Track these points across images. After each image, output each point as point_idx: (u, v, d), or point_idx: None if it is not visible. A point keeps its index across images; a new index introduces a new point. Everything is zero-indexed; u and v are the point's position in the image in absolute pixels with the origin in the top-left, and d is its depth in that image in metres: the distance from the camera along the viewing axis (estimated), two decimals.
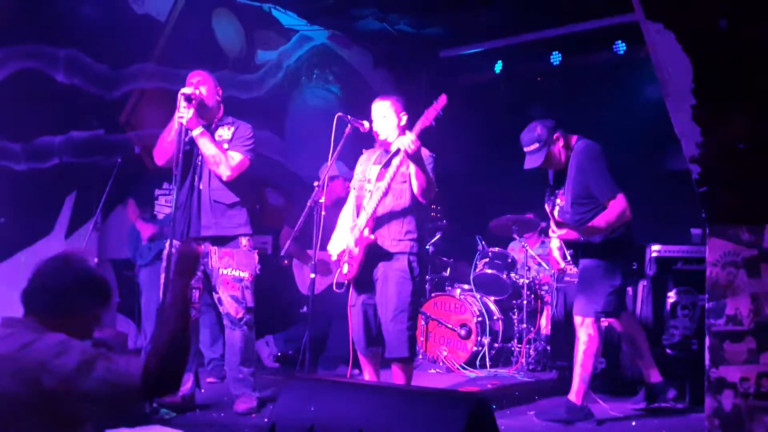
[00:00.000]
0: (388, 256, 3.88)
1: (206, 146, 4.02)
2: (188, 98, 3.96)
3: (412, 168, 3.72)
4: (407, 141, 3.62)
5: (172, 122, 4.06)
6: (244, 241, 4.16)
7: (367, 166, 4.09)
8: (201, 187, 4.11)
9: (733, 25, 1.99)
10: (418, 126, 3.76)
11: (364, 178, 4.05)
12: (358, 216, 4.00)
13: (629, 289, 4.95)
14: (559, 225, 3.96)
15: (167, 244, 4.07)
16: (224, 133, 4.17)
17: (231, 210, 4.12)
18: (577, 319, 4.06)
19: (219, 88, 4.25)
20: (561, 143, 4.09)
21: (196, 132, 3.99)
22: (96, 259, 5.80)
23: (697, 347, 4.44)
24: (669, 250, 4.94)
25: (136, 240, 5.50)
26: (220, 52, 6.99)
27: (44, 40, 5.70)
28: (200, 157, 4.11)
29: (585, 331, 3.98)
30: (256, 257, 4.23)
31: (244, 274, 4.11)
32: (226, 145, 4.11)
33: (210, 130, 4.12)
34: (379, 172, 3.94)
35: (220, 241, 4.10)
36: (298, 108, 7.80)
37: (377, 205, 3.86)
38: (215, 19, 7.05)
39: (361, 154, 4.27)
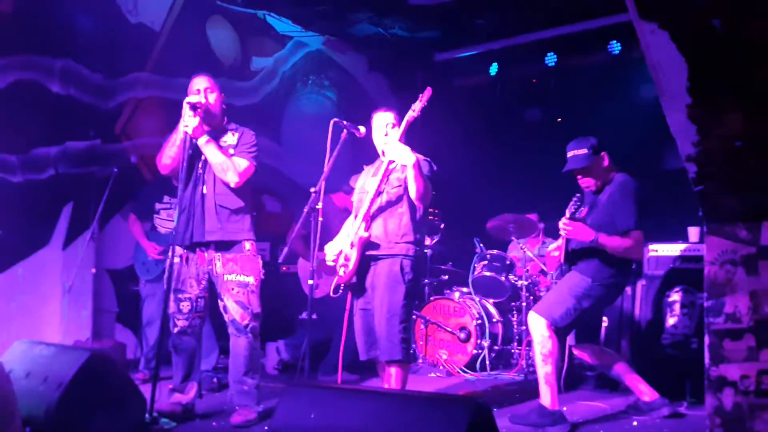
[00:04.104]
0: (382, 259, 3.90)
1: (213, 154, 3.98)
2: (194, 107, 3.91)
3: (409, 174, 3.75)
4: (401, 154, 3.74)
5: (175, 131, 4.02)
6: (247, 245, 4.09)
7: (366, 179, 4.13)
8: (205, 192, 4.06)
9: (728, 23, 1.99)
10: (406, 120, 3.86)
11: (363, 190, 4.08)
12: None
13: (628, 289, 4.95)
14: (572, 219, 3.96)
15: (170, 252, 4.04)
16: (229, 138, 4.14)
17: (235, 215, 4.07)
18: (532, 317, 4.02)
19: (222, 94, 4.22)
20: (605, 164, 4.11)
21: (201, 141, 3.95)
22: (93, 270, 5.79)
23: (696, 346, 4.43)
24: (667, 248, 4.94)
25: (143, 254, 5.47)
26: (215, 60, 7.01)
27: (39, 51, 5.70)
28: (203, 162, 4.06)
29: (538, 332, 3.95)
30: (260, 262, 4.17)
31: (249, 279, 4.05)
32: (231, 151, 4.07)
33: (215, 135, 4.08)
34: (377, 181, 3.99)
35: (224, 246, 4.05)
36: (294, 114, 7.81)
37: (370, 205, 3.92)
38: (210, 27, 7.06)
39: (357, 158, 4.29)
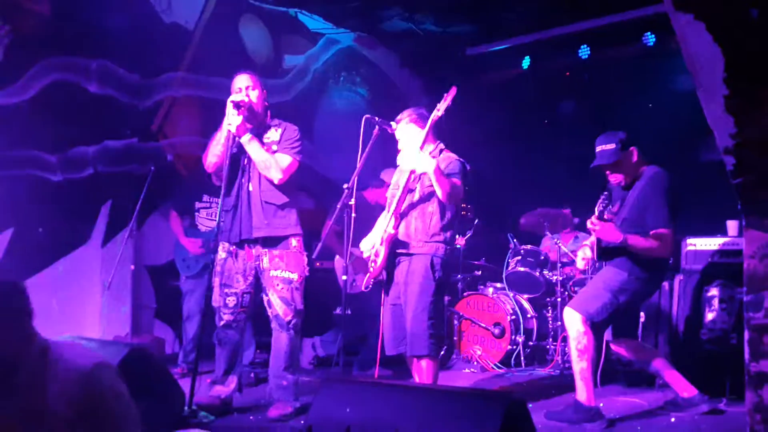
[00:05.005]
0: (413, 256, 3.93)
1: (256, 152, 4.03)
2: (237, 105, 3.97)
3: (433, 180, 3.78)
4: (420, 165, 3.78)
5: (220, 129, 4.07)
6: (294, 241, 4.15)
7: (401, 175, 4.16)
8: (251, 189, 4.10)
9: (765, 13, 1.95)
10: (431, 120, 3.88)
11: (397, 186, 4.11)
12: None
13: (665, 284, 4.89)
14: (601, 218, 3.91)
15: (219, 248, 4.12)
16: (272, 134, 4.18)
17: (282, 210, 4.12)
18: (568, 312, 3.97)
19: (264, 91, 4.26)
20: (635, 158, 4.04)
21: (244, 139, 4.01)
22: (132, 267, 5.89)
23: (736, 341, 4.35)
24: (705, 242, 4.86)
25: (184, 251, 5.55)
26: (248, 58, 7.06)
27: (76, 51, 5.81)
28: (248, 159, 4.10)
29: (574, 327, 3.91)
30: (305, 259, 4.22)
31: (294, 276, 4.10)
32: (275, 147, 4.12)
33: (258, 132, 4.12)
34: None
35: (271, 242, 4.10)
36: (326, 111, 7.85)
37: (399, 204, 3.94)
38: (242, 25, 7.13)
39: (389, 154, 4.30)
